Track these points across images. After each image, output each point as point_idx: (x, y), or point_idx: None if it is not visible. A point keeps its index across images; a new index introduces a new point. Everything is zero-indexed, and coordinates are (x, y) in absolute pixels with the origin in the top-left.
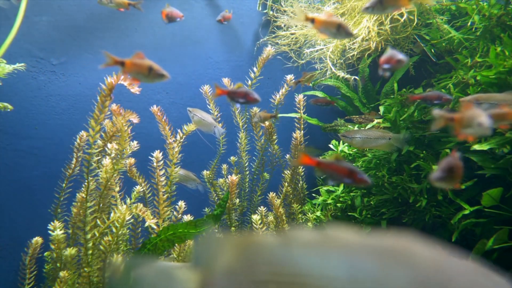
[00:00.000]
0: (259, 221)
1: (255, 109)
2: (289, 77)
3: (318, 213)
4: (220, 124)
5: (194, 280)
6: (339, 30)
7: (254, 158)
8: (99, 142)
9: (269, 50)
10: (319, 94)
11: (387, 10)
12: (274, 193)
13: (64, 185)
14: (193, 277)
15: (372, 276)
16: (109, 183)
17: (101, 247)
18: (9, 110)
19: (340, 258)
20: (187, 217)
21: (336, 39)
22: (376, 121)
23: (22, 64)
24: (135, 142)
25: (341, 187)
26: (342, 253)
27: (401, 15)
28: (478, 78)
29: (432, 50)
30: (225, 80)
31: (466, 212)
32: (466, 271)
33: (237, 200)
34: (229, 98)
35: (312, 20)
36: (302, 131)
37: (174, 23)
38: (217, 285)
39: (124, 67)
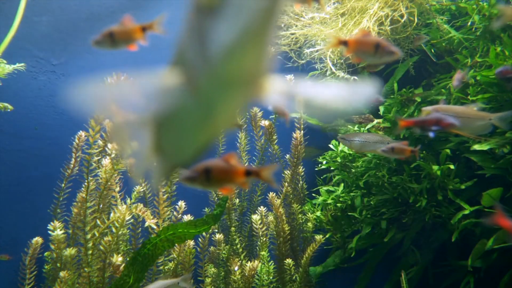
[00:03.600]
0: (259, 221)
1: (255, 109)
2: (289, 77)
3: (318, 213)
4: None
5: None
6: None
7: (254, 158)
8: (99, 142)
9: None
10: None
11: (119, 46)
12: (274, 193)
13: (63, 185)
14: None
15: None
16: (109, 183)
17: (101, 247)
18: (9, 110)
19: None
20: (187, 217)
21: None
22: (376, 121)
23: (22, 64)
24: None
25: (341, 187)
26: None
27: (401, 16)
28: (478, 78)
29: (432, 50)
30: None
31: (466, 212)
32: None
33: (237, 200)
34: (418, 128)
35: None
36: (302, 131)
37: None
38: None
39: (348, 46)
